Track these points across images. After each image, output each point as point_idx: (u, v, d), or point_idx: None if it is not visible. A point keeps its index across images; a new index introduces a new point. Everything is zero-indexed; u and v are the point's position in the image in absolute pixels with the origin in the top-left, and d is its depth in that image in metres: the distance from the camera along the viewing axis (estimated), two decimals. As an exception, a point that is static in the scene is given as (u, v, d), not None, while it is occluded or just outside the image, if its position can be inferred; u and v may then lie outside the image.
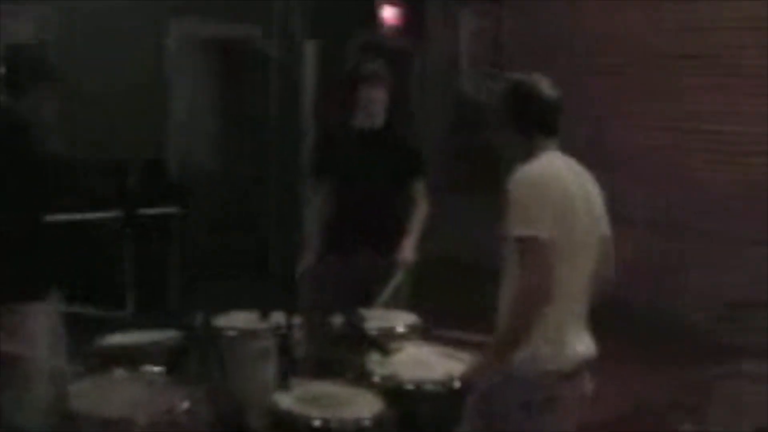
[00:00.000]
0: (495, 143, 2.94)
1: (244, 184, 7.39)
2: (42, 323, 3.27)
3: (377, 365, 3.32)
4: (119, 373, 3.23)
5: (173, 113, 6.90)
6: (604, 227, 2.91)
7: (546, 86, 2.84)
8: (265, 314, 3.64)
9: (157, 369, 3.29)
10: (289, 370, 3.22)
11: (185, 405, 2.98)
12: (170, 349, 3.44)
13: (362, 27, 7.84)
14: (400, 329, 3.70)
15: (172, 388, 3.11)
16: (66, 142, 3.70)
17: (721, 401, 4.60)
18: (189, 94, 7.08)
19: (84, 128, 5.53)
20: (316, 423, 2.89)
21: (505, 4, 7.93)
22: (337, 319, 3.66)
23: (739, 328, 5.98)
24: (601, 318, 2.91)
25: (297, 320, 3.51)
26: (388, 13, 8.15)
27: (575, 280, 2.76)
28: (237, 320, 3.75)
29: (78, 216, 5.28)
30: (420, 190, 4.38)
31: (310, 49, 7.33)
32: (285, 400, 3.02)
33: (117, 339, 3.62)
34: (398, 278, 4.08)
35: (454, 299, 5.74)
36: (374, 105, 4.25)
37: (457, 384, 3.04)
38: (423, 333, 3.75)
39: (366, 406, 3.00)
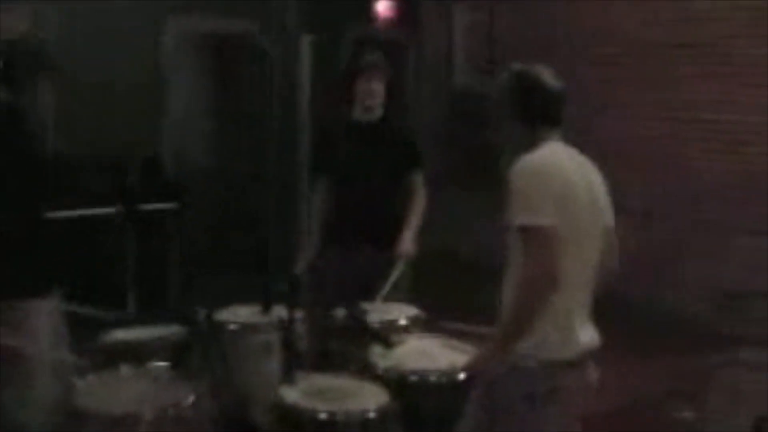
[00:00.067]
0: (496, 138, 2.92)
1: (242, 181, 7.38)
2: (44, 320, 3.25)
3: (380, 358, 3.32)
4: (125, 369, 3.24)
5: (171, 111, 6.89)
6: (608, 218, 2.89)
7: (549, 77, 2.83)
8: (266, 308, 3.66)
9: (162, 364, 3.28)
10: (293, 363, 3.22)
11: (191, 399, 2.99)
12: (174, 345, 3.44)
13: (357, 21, 7.83)
14: (402, 321, 3.71)
15: (177, 383, 3.11)
16: (64, 140, 3.70)
17: (720, 390, 4.61)
18: (187, 91, 7.06)
19: (82, 126, 5.51)
20: (322, 416, 2.90)
21: (499, -3, 7.93)
22: (340, 313, 3.67)
23: (738, 317, 6.01)
24: (599, 308, 2.91)
25: (299, 314, 3.50)
26: (383, 7, 8.14)
27: (580, 270, 2.75)
28: (239, 314, 3.76)
29: (78, 213, 5.27)
30: (418, 181, 4.39)
31: (305, 44, 7.31)
32: (291, 394, 3.02)
33: (121, 335, 3.63)
34: (398, 271, 4.08)
35: (451, 293, 5.74)
36: (373, 97, 4.25)
37: (460, 375, 3.05)
38: (425, 325, 3.76)
39: (371, 398, 3.01)
